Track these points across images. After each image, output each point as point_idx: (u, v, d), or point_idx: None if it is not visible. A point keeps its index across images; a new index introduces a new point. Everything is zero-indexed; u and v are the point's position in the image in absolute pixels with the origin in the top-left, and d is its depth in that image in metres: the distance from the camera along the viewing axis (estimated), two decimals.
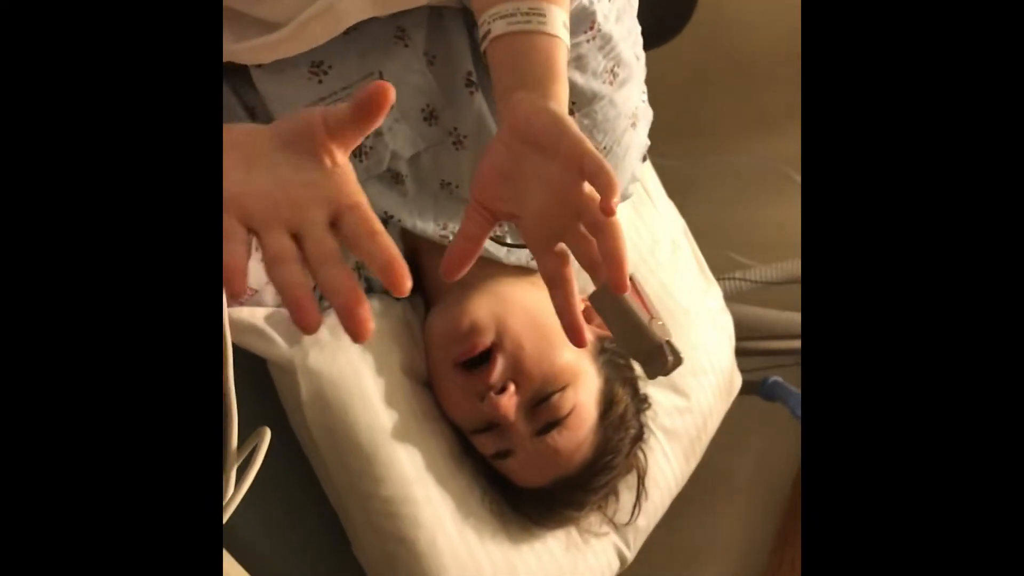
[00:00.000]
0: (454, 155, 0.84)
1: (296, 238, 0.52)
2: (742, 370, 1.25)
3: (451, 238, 0.87)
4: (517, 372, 0.86)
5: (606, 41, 0.79)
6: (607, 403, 0.91)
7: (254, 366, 0.83)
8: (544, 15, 0.64)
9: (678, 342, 0.66)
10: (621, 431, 0.93)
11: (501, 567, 0.91)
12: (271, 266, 0.51)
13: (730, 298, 1.35)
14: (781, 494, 1.68)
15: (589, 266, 0.60)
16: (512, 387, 0.86)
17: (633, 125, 0.85)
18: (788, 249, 1.59)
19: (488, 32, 0.66)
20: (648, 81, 0.88)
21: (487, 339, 0.86)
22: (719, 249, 1.45)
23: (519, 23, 0.65)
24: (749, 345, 1.47)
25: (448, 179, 0.86)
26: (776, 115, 1.66)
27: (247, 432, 0.68)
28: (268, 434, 0.68)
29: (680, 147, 1.45)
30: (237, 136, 0.54)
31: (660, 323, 0.62)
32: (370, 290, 0.90)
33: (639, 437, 0.97)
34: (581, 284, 0.62)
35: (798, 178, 1.66)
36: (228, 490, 0.66)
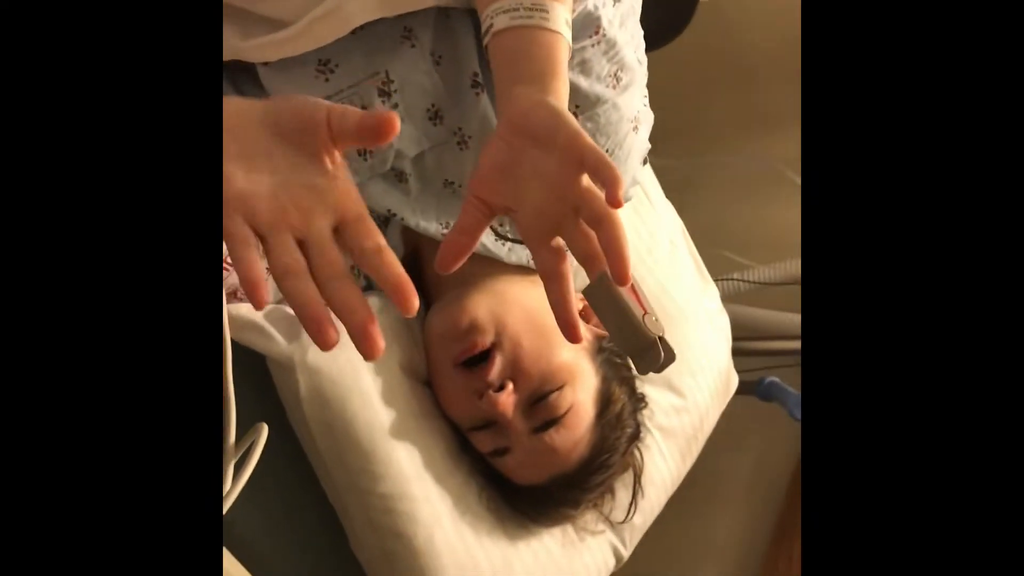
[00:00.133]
0: (458, 155, 0.84)
1: (300, 244, 0.52)
2: (739, 370, 1.25)
3: None
4: (515, 370, 0.87)
5: (610, 46, 0.79)
6: (604, 402, 0.92)
7: (254, 363, 0.83)
8: (547, 11, 0.65)
9: (675, 342, 0.66)
10: (618, 430, 0.93)
11: (498, 564, 0.91)
12: (282, 279, 0.51)
13: (727, 298, 1.36)
14: (778, 494, 1.68)
15: (585, 260, 0.60)
16: (510, 385, 0.86)
17: (635, 129, 0.85)
18: (786, 250, 1.60)
19: (491, 26, 0.66)
20: (648, 82, 0.89)
21: (487, 339, 0.87)
22: (717, 249, 1.46)
23: (521, 18, 0.65)
24: (746, 345, 1.48)
25: (451, 179, 0.86)
26: (775, 116, 1.67)
27: (246, 428, 0.68)
28: (265, 430, 0.68)
29: (679, 147, 1.45)
30: (226, 117, 0.53)
31: (654, 318, 0.62)
32: (369, 287, 0.90)
33: (636, 436, 0.98)
34: (580, 284, 0.62)
35: (797, 179, 1.67)
36: (225, 486, 0.66)
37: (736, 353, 1.25)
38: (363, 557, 0.88)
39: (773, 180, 1.70)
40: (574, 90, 0.79)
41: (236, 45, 0.78)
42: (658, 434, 1.08)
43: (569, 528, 0.99)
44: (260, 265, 0.50)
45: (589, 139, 0.58)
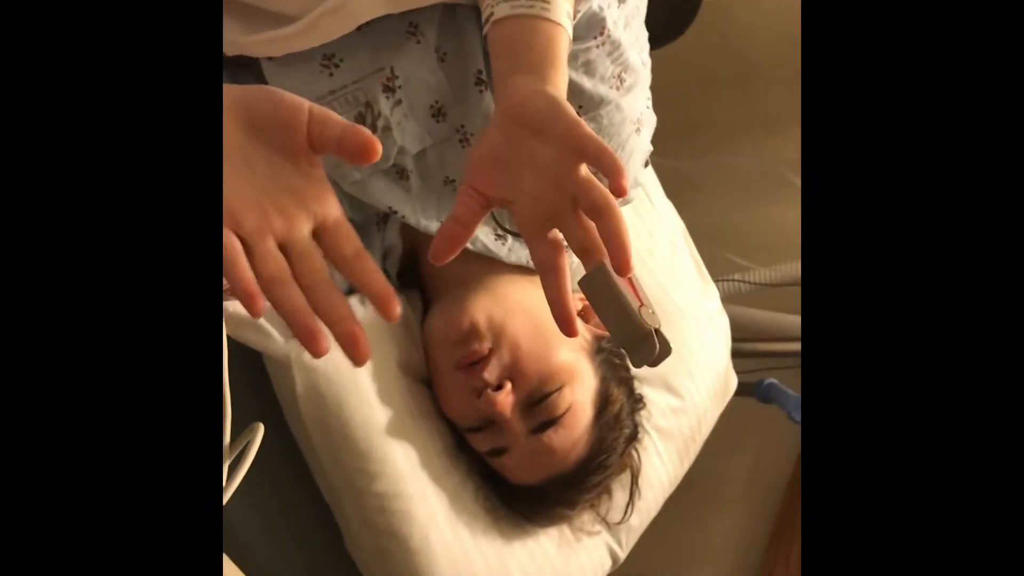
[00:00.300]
0: (460, 152, 0.84)
1: (281, 249, 0.52)
2: (738, 372, 1.25)
3: None
4: (514, 371, 0.86)
5: (615, 47, 0.79)
6: (603, 403, 0.91)
7: (250, 360, 0.82)
8: (548, 2, 0.64)
9: (675, 343, 0.65)
10: (616, 430, 0.93)
11: (494, 564, 0.91)
12: (269, 287, 0.51)
13: (727, 299, 1.35)
14: (776, 496, 1.68)
15: (582, 252, 0.59)
16: (509, 385, 0.86)
17: (637, 130, 0.85)
18: (786, 251, 1.60)
19: (491, 15, 0.65)
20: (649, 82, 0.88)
21: (486, 345, 0.86)
22: (717, 250, 1.45)
23: (522, 7, 0.64)
24: (745, 347, 1.47)
25: (453, 176, 0.86)
26: (776, 117, 1.66)
27: (243, 424, 0.68)
28: (261, 429, 0.68)
29: (679, 148, 1.44)
30: None
31: (651, 311, 0.62)
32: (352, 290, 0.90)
33: (633, 437, 0.97)
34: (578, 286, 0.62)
35: (797, 180, 1.67)
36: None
37: (735, 354, 1.25)
38: (358, 556, 0.88)
39: (774, 181, 1.70)
40: (577, 91, 0.78)
41: (240, 40, 0.78)
42: (656, 435, 1.08)
43: (565, 528, 0.99)
44: (252, 275, 0.50)
45: (588, 128, 0.58)
